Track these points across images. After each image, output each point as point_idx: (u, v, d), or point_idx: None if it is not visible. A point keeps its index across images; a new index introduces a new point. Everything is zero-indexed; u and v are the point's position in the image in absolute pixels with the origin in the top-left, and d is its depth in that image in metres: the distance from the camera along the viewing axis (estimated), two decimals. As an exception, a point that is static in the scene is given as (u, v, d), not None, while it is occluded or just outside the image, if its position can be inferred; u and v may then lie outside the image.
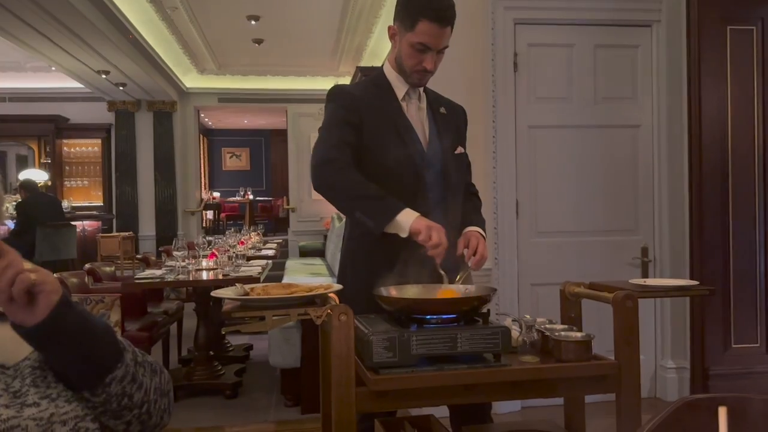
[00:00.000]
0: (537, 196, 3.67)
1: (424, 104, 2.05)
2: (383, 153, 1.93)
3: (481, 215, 2.11)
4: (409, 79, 1.98)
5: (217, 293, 1.53)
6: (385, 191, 1.84)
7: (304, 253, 8.22)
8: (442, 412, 1.90)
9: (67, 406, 1.03)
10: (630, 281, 1.81)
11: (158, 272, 4.04)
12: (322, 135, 1.96)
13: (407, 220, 1.75)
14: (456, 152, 2.05)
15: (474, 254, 1.89)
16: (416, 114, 2.02)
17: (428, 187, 1.97)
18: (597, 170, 3.73)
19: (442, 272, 1.74)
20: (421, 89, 2.05)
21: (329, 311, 1.45)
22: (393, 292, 1.66)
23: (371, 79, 2.09)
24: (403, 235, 1.76)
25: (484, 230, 2.03)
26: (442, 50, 1.94)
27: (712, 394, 1.30)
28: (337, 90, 2.03)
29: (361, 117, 1.93)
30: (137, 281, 3.78)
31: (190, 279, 3.82)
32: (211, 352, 4.29)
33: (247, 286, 1.56)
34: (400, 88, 2.01)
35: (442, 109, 2.08)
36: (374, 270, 1.82)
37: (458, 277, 1.83)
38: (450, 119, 2.08)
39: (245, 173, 15.95)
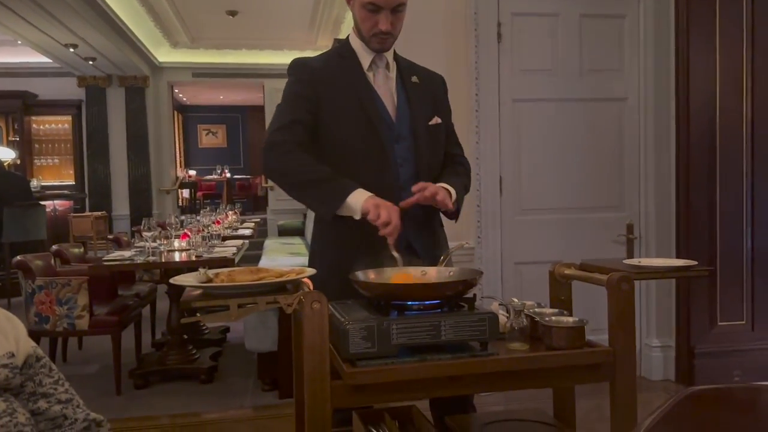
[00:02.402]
0: (521, 173, 3.56)
1: (393, 73, 1.91)
2: (345, 127, 1.81)
3: (458, 178, 1.91)
4: (371, 45, 1.85)
5: (176, 280, 1.39)
6: (349, 169, 1.72)
7: (284, 232, 8.07)
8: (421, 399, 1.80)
9: None
10: (624, 261, 1.70)
11: (127, 254, 3.87)
12: (275, 115, 1.84)
13: (358, 200, 1.64)
14: (431, 123, 1.91)
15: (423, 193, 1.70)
16: (384, 84, 1.88)
17: (399, 162, 1.84)
18: (582, 145, 3.62)
19: (396, 254, 1.61)
20: (391, 58, 1.92)
21: (301, 299, 1.32)
22: (371, 276, 1.54)
23: (336, 49, 1.96)
24: (357, 217, 1.65)
25: (458, 192, 1.84)
26: (399, 8, 1.80)
27: (718, 385, 1.21)
28: (294, 63, 1.90)
29: (317, 90, 1.81)
30: (105, 263, 3.61)
31: (162, 260, 3.66)
32: (185, 336, 4.15)
33: (211, 272, 1.42)
34: (365, 56, 1.88)
35: (414, 78, 1.93)
36: (344, 253, 1.70)
37: (441, 259, 1.71)
38: (424, 88, 1.94)
39: (222, 151, 15.63)
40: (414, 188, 1.71)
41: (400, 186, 1.81)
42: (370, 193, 1.66)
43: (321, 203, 1.71)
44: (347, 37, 1.94)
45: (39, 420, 0.98)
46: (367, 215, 1.62)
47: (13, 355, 0.96)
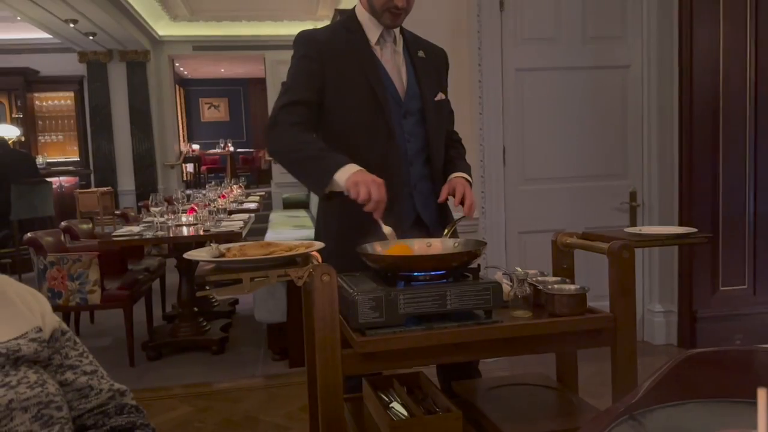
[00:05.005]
0: (524, 142, 3.57)
1: (400, 47, 1.91)
2: (352, 103, 1.81)
3: (465, 161, 2.01)
4: (382, 19, 1.83)
5: (190, 255, 1.44)
6: (357, 145, 1.74)
7: (288, 205, 8.10)
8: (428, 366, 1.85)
9: (29, 392, 0.94)
10: (625, 230, 1.74)
11: (136, 229, 3.92)
12: (279, 93, 1.86)
13: (342, 178, 1.63)
14: (437, 99, 1.93)
15: (462, 201, 1.80)
16: (392, 58, 1.88)
17: (407, 137, 1.85)
18: (585, 114, 3.63)
19: (385, 229, 1.62)
20: (397, 31, 1.90)
21: (311, 271, 1.37)
22: (378, 248, 1.58)
23: (342, 21, 1.93)
24: (346, 193, 1.65)
25: (470, 176, 1.93)
26: None
27: (716, 348, 1.25)
28: (301, 37, 1.87)
29: (324, 65, 1.80)
30: (115, 239, 3.67)
31: (170, 235, 3.71)
32: (196, 308, 4.22)
33: (223, 247, 1.46)
34: (373, 30, 1.86)
35: (421, 53, 1.94)
36: (348, 225, 1.73)
37: (446, 230, 1.75)
38: (430, 63, 1.95)
39: (225, 124, 15.59)
40: (456, 205, 1.81)
41: (408, 161, 1.83)
42: (357, 168, 1.63)
43: (313, 181, 1.72)
44: (353, 8, 1.93)
45: (66, 390, 1.03)
46: (350, 193, 1.62)
47: (40, 330, 1.01)
